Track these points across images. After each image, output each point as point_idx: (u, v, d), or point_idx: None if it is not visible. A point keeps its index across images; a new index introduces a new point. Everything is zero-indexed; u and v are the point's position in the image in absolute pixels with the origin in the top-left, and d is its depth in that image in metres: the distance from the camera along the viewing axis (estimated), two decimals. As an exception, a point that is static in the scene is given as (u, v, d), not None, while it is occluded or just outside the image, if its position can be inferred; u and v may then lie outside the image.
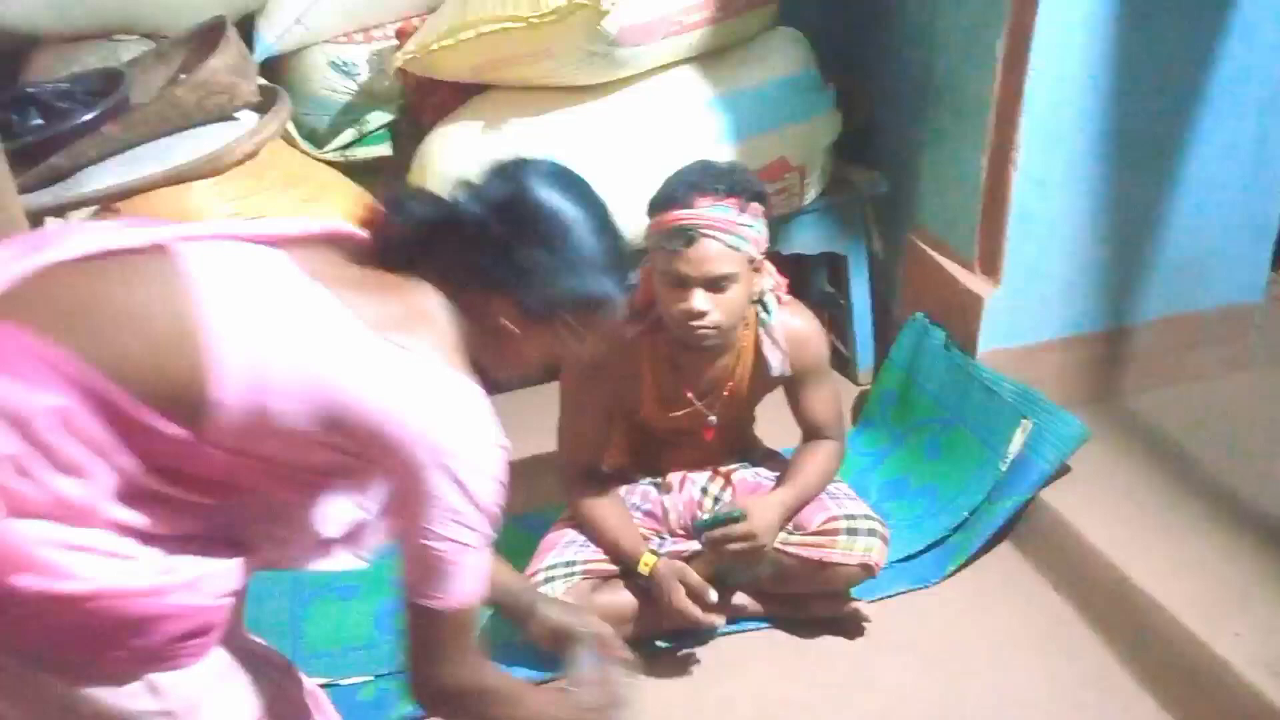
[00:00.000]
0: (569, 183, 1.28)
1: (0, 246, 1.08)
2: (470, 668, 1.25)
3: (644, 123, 2.41)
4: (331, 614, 2.13)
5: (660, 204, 1.81)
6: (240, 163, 2.23)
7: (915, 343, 2.56)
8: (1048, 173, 2.27)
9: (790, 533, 2.00)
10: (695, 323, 1.79)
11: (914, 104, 2.60)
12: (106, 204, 2.14)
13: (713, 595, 1.90)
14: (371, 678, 1.97)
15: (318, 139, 2.62)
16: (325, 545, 1.29)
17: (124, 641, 1.04)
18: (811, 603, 2.05)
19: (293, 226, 1.20)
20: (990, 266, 2.40)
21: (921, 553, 2.22)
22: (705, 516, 1.96)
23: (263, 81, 2.40)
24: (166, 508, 1.08)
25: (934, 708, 1.87)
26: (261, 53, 2.46)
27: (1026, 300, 2.39)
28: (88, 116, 2.13)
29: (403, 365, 1.11)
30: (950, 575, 2.16)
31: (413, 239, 1.22)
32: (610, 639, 1.68)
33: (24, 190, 1.99)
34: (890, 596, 2.12)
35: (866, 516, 2.01)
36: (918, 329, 2.57)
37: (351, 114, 2.60)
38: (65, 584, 0.98)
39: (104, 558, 1.02)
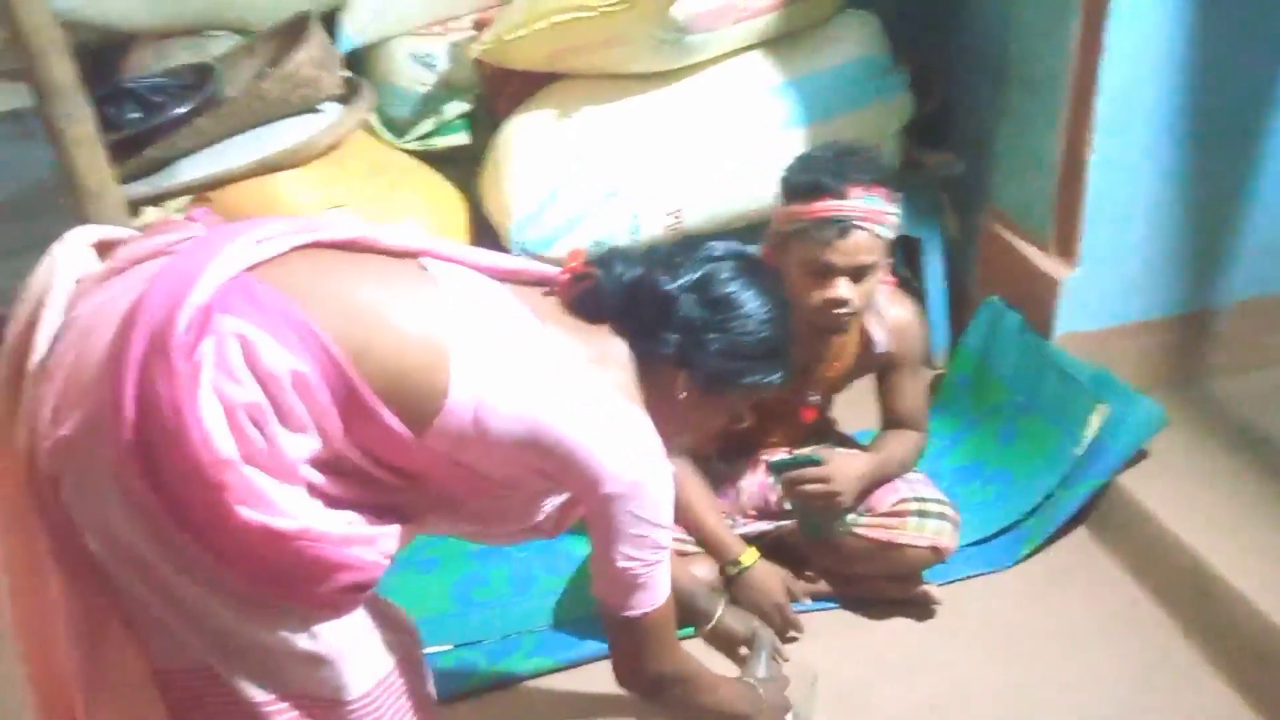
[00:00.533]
0: (757, 273, 1.41)
1: (285, 219, 1.21)
2: (672, 660, 1.41)
3: (715, 108, 2.43)
4: (411, 586, 2.19)
5: (807, 191, 1.77)
6: (325, 153, 2.31)
7: (990, 326, 2.54)
8: (1124, 153, 2.24)
9: (860, 514, 2.01)
10: (838, 310, 1.81)
11: (988, 85, 2.57)
12: (199, 193, 2.23)
13: (803, 595, 1.96)
14: (451, 646, 2.04)
15: (398, 129, 2.68)
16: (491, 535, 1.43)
17: (308, 585, 1.14)
18: (881, 584, 2.06)
19: (506, 262, 1.35)
20: (1066, 248, 2.37)
21: (994, 537, 2.21)
22: (785, 457, 1.96)
23: (346, 74, 2.47)
24: (353, 480, 1.18)
25: (1000, 691, 1.87)
26: (344, 46, 2.53)
27: (1103, 282, 2.36)
28: (181, 110, 2.23)
29: (602, 401, 1.24)
30: (1023, 560, 2.15)
31: (613, 296, 1.34)
32: (781, 647, 1.82)
33: (123, 180, 2.09)
34: (961, 580, 2.11)
35: (937, 500, 2.02)
36: (993, 312, 2.55)
37: (430, 105, 2.65)
38: (280, 520, 1.08)
39: (301, 507, 1.12)
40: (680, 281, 1.35)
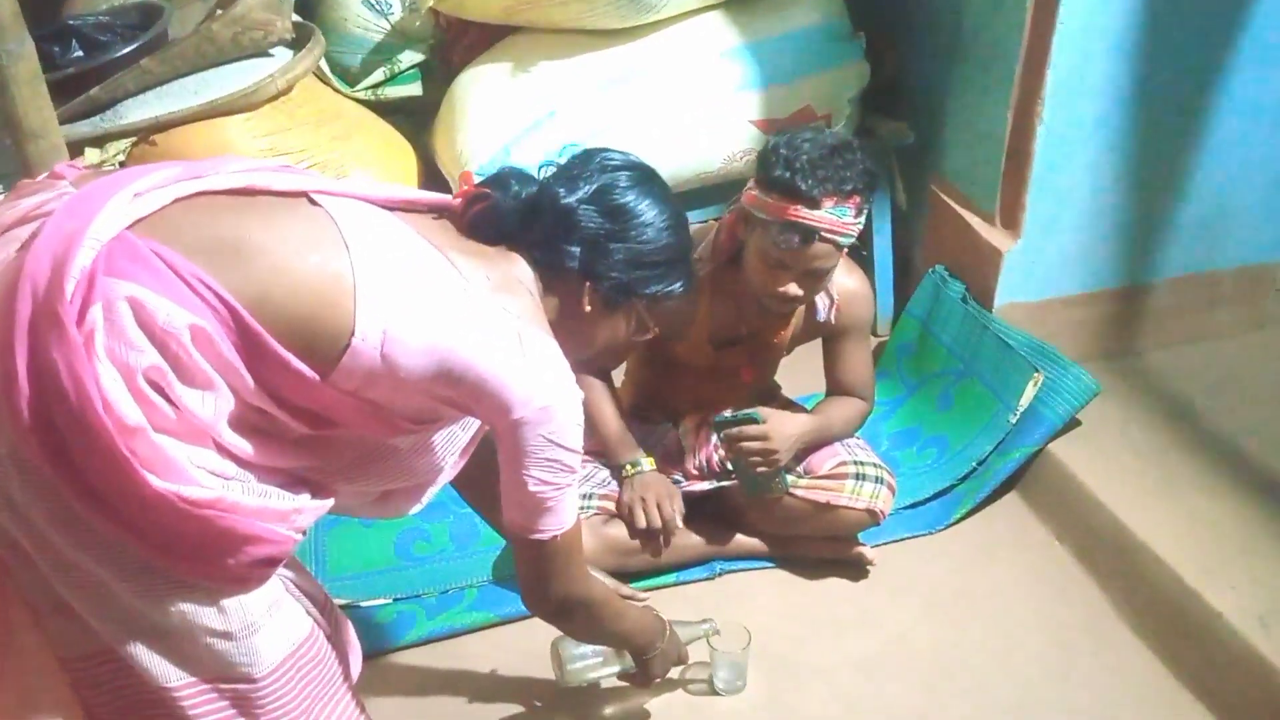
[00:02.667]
0: (653, 182, 1.40)
1: (166, 167, 1.16)
2: (578, 583, 1.42)
3: (672, 67, 2.43)
4: (354, 539, 2.20)
5: (782, 189, 1.74)
6: (274, 99, 2.27)
7: (933, 294, 2.59)
8: (1071, 129, 2.28)
9: (800, 476, 2.05)
10: (786, 301, 1.85)
11: (941, 56, 2.59)
12: (143, 136, 2.19)
13: (679, 520, 1.99)
14: (390, 600, 2.05)
15: (350, 77, 2.65)
16: (393, 497, 1.42)
17: (218, 557, 1.12)
18: (817, 545, 2.11)
19: (399, 193, 1.32)
20: (1011, 220, 2.41)
21: (928, 500, 2.27)
22: (727, 414, 1.99)
23: (297, 19, 2.43)
24: (263, 437, 1.16)
25: (932, 648, 1.93)
26: (296, -11, 2.49)
27: (1045, 255, 2.41)
28: (126, 50, 2.18)
29: (508, 326, 1.22)
30: (955, 523, 2.21)
31: (511, 216, 1.33)
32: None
33: (64, 120, 2.05)
34: (896, 541, 2.17)
35: (875, 464, 2.06)
36: (936, 281, 2.59)
37: (383, 53, 2.62)
38: (188, 489, 1.06)
39: (210, 475, 1.10)
40: (579, 193, 1.34)
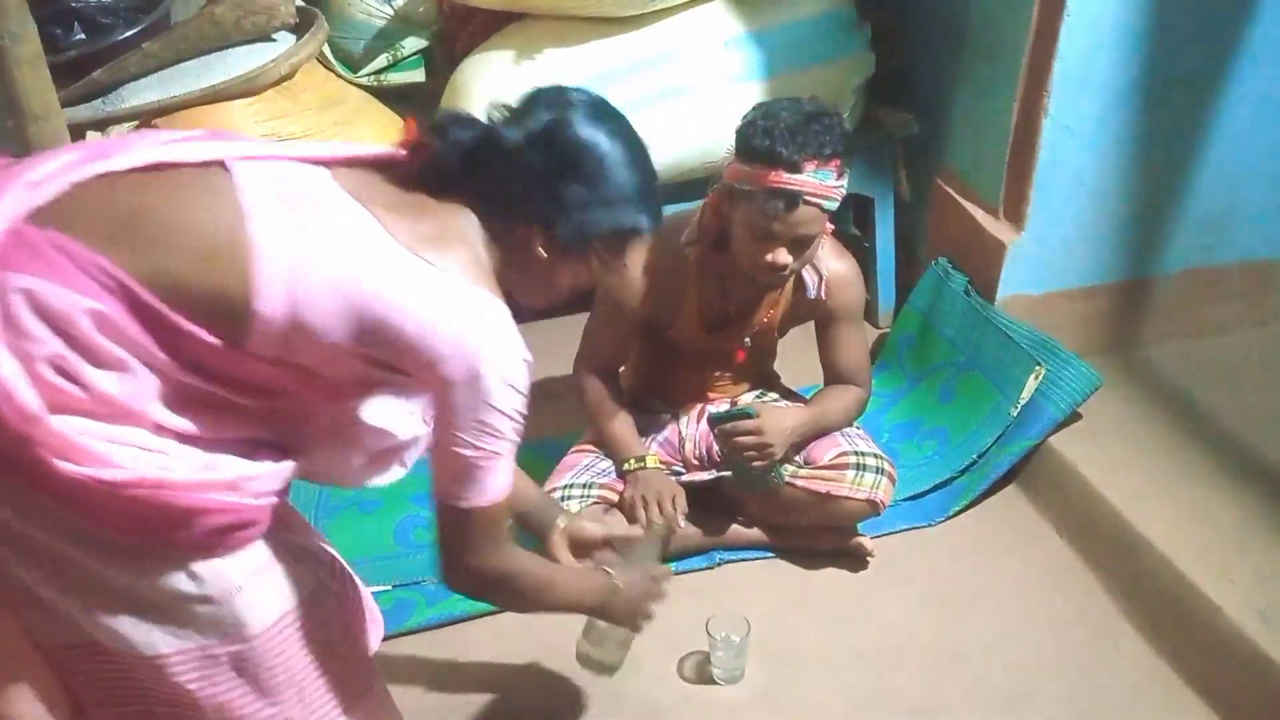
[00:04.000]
0: (607, 116, 1.30)
1: (66, 151, 1.13)
2: (498, 556, 1.33)
3: (676, 56, 2.42)
4: (353, 525, 2.21)
5: (763, 157, 1.75)
6: (276, 84, 2.27)
7: (936, 287, 2.58)
8: (1078, 121, 2.27)
9: (800, 466, 2.05)
10: (775, 271, 1.84)
11: (947, 47, 2.58)
12: (145, 120, 2.19)
13: (681, 520, 1.97)
14: (390, 587, 2.05)
15: (353, 63, 2.64)
16: (375, 461, 1.36)
17: (169, 531, 1.10)
18: (817, 535, 2.11)
19: (341, 149, 1.25)
20: (1015, 213, 2.41)
21: (929, 492, 2.27)
22: (713, 410, 1.99)
23: (300, 3, 2.43)
24: (209, 411, 1.14)
25: (930, 640, 1.93)
26: (300, -26, 2.48)
27: (1049, 248, 2.40)
28: (129, 33, 2.18)
29: (434, 281, 1.16)
30: (955, 515, 2.21)
31: (453, 163, 1.26)
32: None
33: (65, 104, 2.04)
34: (895, 533, 2.17)
35: (875, 455, 2.06)
36: (939, 273, 2.59)
37: (387, 39, 2.62)
38: (104, 471, 1.04)
39: (141, 451, 1.08)
40: (524, 132, 1.25)
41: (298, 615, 1.23)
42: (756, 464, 1.96)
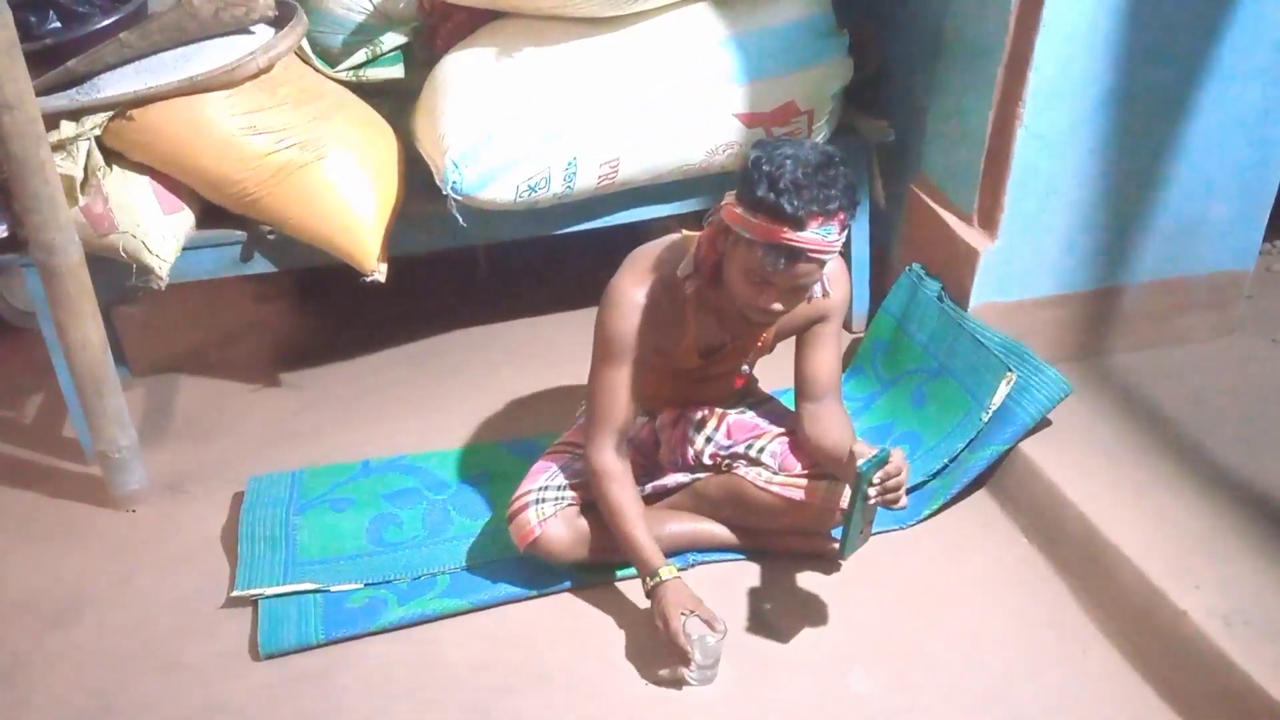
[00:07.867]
0: None
1: None
2: None
3: (658, 59, 2.42)
4: (325, 524, 2.19)
5: (769, 211, 1.69)
6: (254, 77, 2.25)
7: (909, 293, 2.60)
8: (1052, 130, 2.30)
9: (775, 473, 2.06)
10: (767, 315, 1.83)
11: (924, 55, 2.61)
12: (121, 111, 2.17)
13: (720, 628, 1.85)
14: (361, 585, 2.05)
15: (331, 58, 2.63)
16: None
17: None
18: (790, 540, 2.12)
19: None
20: (988, 220, 2.43)
21: (901, 495, 2.28)
22: (863, 462, 1.79)
23: (279, -4, 2.41)
24: None
25: (902, 641, 1.95)
26: (279, -33, 2.46)
27: (1022, 256, 2.43)
28: (105, 22, 2.15)
29: None
30: (927, 519, 2.23)
31: None
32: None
33: (40, 92, 2.02)
34: (867, 536, 2.18)
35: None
36: (913, 279, 2.61)
37: (366, 34, 2.60)
38: None
39: None
40: None
41: None
42: (896, 506, 1.85)
